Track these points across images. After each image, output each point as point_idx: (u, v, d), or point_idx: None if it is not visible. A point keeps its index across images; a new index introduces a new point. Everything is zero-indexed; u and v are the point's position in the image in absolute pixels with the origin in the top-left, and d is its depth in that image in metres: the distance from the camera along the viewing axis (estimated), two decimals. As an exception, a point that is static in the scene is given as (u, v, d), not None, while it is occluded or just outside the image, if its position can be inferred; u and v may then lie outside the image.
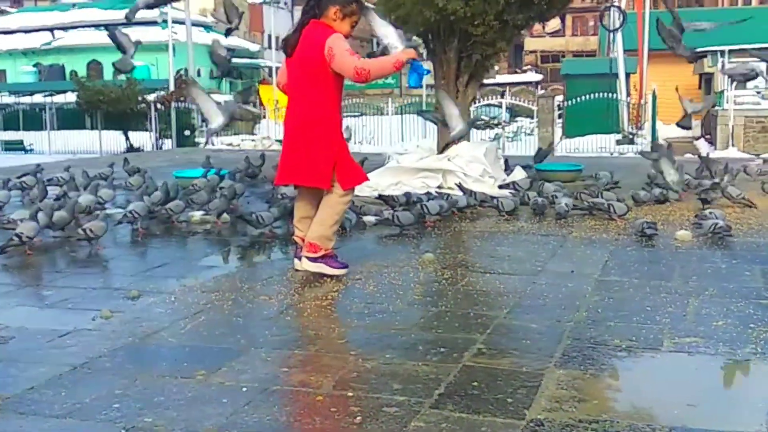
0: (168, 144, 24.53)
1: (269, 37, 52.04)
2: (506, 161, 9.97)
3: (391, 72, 4.83)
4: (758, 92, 26.67)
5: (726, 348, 3.72)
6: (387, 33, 5.04)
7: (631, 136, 22.44)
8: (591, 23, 51.30)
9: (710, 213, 6.76)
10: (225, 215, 7.06)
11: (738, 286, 4.88)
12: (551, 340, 3.85)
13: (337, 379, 3.33)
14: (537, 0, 8.91)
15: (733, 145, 21.42)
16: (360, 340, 3.86)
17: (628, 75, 26.97)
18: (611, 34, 27.23)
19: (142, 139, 25.83)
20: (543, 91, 35.07)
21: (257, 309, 4.42)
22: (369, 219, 6.88)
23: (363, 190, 7.37)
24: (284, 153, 4.99)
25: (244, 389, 3.22)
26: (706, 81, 30.96)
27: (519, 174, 9.53)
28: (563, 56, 48.76)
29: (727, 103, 22.33)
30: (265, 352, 3.69)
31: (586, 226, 7.01)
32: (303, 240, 5.07)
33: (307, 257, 4.94)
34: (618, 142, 21.83)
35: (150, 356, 3.66)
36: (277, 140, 21.24)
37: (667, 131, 23.01)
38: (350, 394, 3.16)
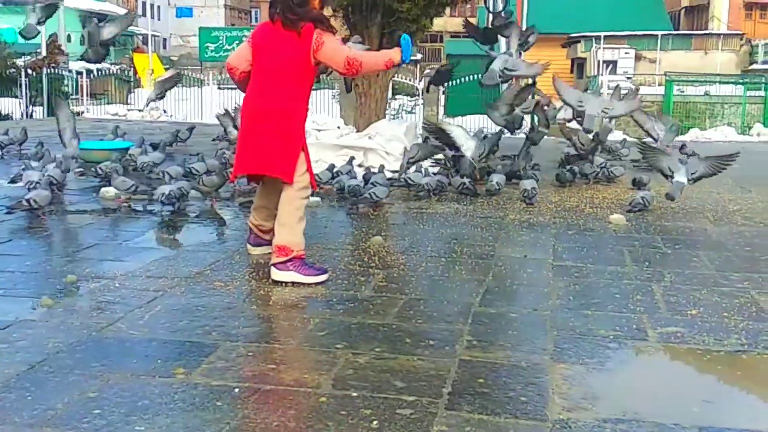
0: (39, 112, 23.09)
1: (143, 4, 50.23)
2: (426, 140, 9.81)
3: (382, 69, 4.64)
4: (628, 78, 27.72)
5: (711, 338, 3.67)
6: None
7: (512, 116, 22.89)
8: (468, 5, 51.80)
9: (642, 198, 6.83)
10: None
11: (692, 273, 4.90)
12: (536, 331, 3.71)
13: (334, 376, 3.07)
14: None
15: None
16: (340, 332, 3.59)
17: (508, 56, 27.55)
18: (491, 16, 27.54)
19: (11, 106, 24.25)
20: (428, 71, 35.21)
21: (216, 297, 4.07)
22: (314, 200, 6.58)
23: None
24: (248, 142, 4.48)
25: (236, 390, 2.92)
26: (579, 66, 31.85)
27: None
28: (442, 37, 49.13)
29: (601, 87, 23.05)
30: (242, 346, 3.37)
31: (518, 208, 6.96)
32: (258, 228, 4.82)
33: (276, 264, 4.38)
34: (500, 122, 22.21)
35: (115, 352, 3.27)
36: (164, 110, 20.38)
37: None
38: (354, 394, 2.90)
